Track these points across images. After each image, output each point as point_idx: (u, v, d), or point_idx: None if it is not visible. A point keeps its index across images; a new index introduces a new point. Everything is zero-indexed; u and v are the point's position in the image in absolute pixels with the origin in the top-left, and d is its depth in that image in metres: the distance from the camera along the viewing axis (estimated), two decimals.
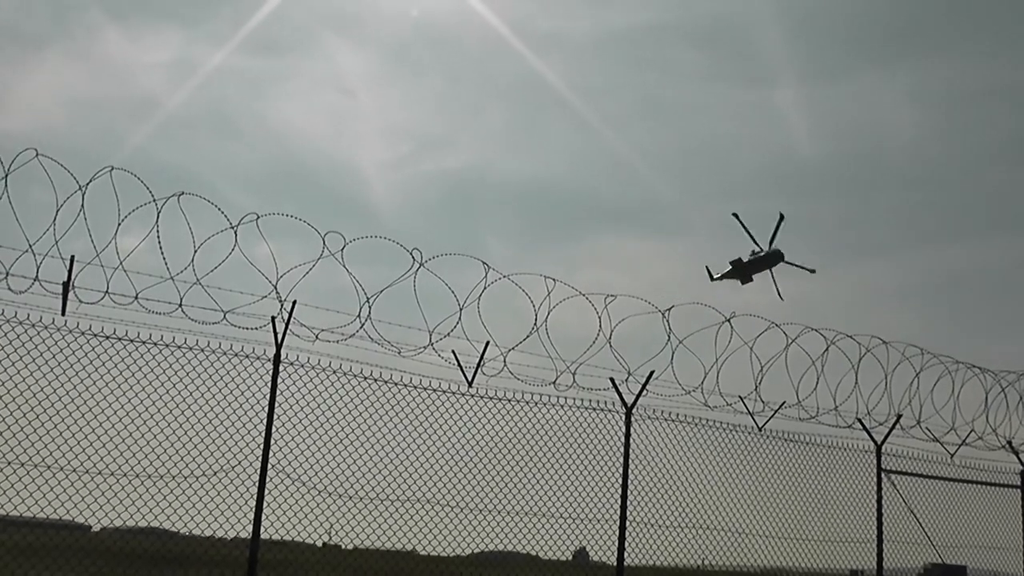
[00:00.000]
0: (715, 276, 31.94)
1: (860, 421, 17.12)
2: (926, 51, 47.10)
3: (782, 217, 29.35)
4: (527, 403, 14.24)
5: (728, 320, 15.78)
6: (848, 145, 47.47)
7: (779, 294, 30.68)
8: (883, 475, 17.40)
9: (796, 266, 30.20)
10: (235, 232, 12.77)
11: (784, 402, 16.35)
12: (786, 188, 47.92)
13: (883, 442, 17.42)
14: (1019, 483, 19.33)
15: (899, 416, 17.50)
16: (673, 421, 15.32)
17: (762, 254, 30.57)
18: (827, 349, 16.80)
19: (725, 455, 15.77)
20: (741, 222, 29.89)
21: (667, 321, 15.31)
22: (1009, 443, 19.15)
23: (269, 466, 12.09)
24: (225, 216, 12.79)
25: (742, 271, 30.71)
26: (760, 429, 16.31)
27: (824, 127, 46.74)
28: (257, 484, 12.03)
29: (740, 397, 15.99)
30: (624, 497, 14.46)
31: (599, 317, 14.65)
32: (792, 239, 46.93)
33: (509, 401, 14.15)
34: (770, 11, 47.56)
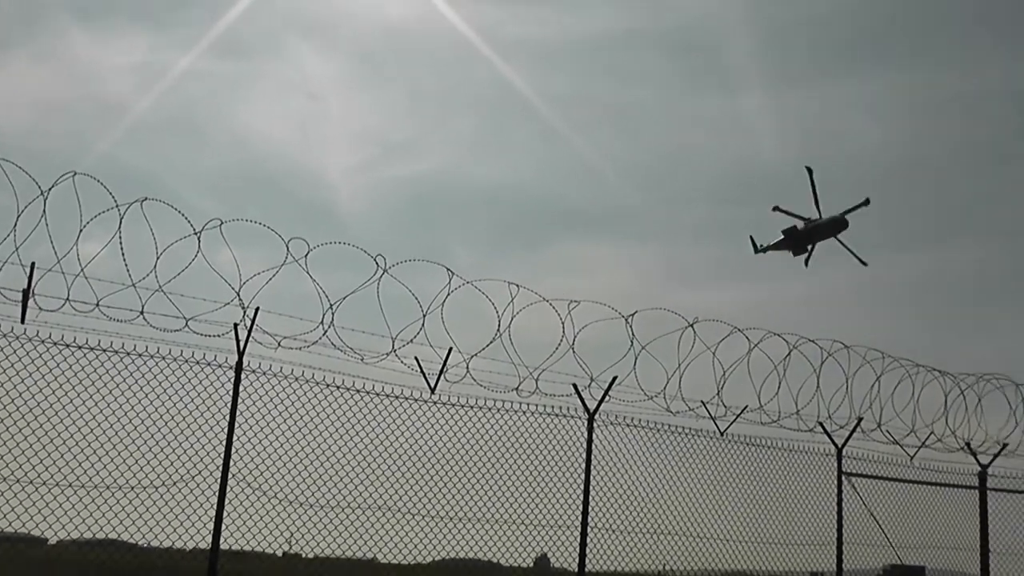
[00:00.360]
0: (761, 246, 31.66)
1: (821, 425, 17.47)
2: (888, 60, 47.90)
3: (867, 201, 29.21)
4: (489, 410, 14.44)
5: (691, 325, 16.04)
6: (813, 152, 48.21)
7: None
8: (843, 478, 17.76)
9: (850, 251, 30.36)
10: (198, 238, 12.83)
11: (746, 406, 16.65)
12: (752, 194, 48.55)
13: (844, 445, 17.78)
14: (977, 484, 19.72)
15: (860, 419, 17.87)
16: (635, 427, 15.59)
17: (824, 220, 30.33)
18: (789, 354, 17.12)
19: (687, 460, 16.08)
20: (812, 180, 29.68)
21: (630, 327, 15.54)
22: (968, 445, 19.57)
23: (230, 475, 12.19)
24: (188, 222, 12.84)
25: (797, 240, 30.50)
26: (722, 434, 16.61)
27: (789, 134, 47.49)
28: (217, 494, 12.12)
29: (702, 402, 16.27)
30: (586, 503, 14.70)
31: (562, 323, 14.86)
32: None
33: (471, 408, 14.35)
34: (737, 20, 48.15)
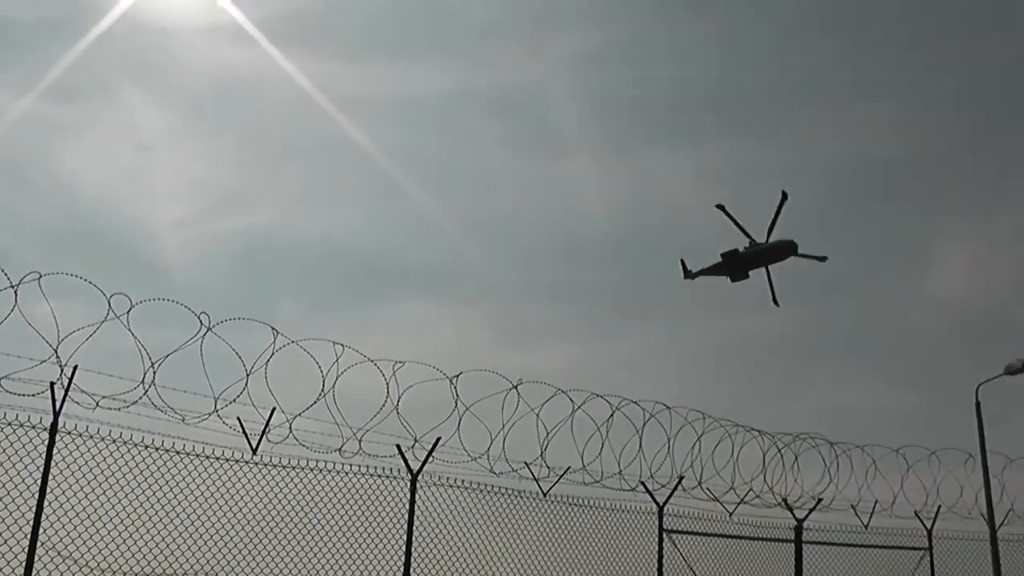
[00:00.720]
0: (693, 272, 29.14)
1: (643, 484, 18.25)
2: (709, 130, 50.40)
3: (785, 196, 27.30)
4: (312, 470, 14.65)
5: (515, 387, 16.64)
6: (637, 219, 50.04)
7: (775, 298, 28.51)
8: (664, 535, 18.50)
9: (809, 257, 28.49)
10: (15, 292, 12.74)
11: (569, 467, 17.32)
12: (579, 257, 49.92)
13: (665, 503, 18.57)
14: (793, 537, 20.77)
15: (681, 477, 18.74)
16: (459, 488, 16.01)
17: (768, 244, 27.79)
18: (612, 415, 17.91)
19: (510, 521, 16.50)
20: (728, 213, 27.86)
21: (455, 388, 16.04)
22: (784, 500, 20.68)
23: (39, 544, 12.05)
24: (5, 274, 12.73)
25: (736, 265, 28.02)
26: (545, 494, 17.18)
27: (615, 200, 49.17)
28: (24, 565, 11.96)
29: (526, 463, 16.86)
30: (407, 565, 15.04)
31: (387, 383, 15.26)
32: (581, 306, 48.89)
33: (293, 469, 14.53)
34: (566, 85, 49.79)
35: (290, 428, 14.51)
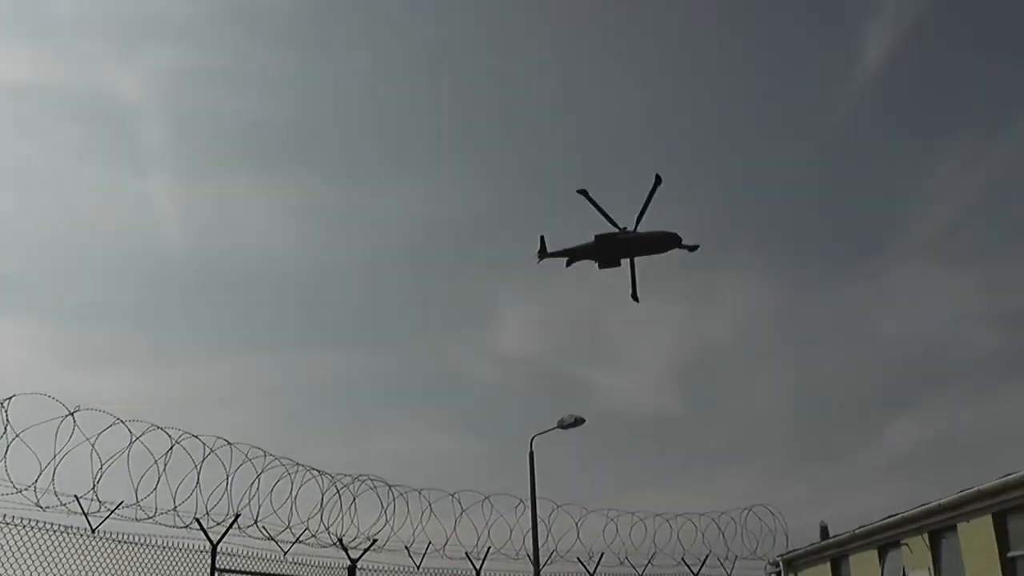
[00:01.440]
0: (551, 251, 27.31)
1: (198, 521, 18.40)
2: (289, 163, 51.32)
3: (659, 180, 26.02)
4: None
5: (72, 414, 16.30)
6: (219, 244, 49.71)
7: (635, 294, 26.71)
8: (217, 574, 18.61)
9: (686, 247, 26.81)
10: None
11: (122, 502, 17.15)
12: (154, 279, 48.58)
13: (219, 541, 18.84)
14: None
15: (237, 515, 19.10)
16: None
17: (650, 232, 26.71)
18: (172, 448, 17.92)
19: (56, 560, 15.87)
20: (590, 198, 26.51)
21: (5, 412, 15.41)
22: (340, 540, 21.51)
23: None
24: None
25: (609, 249, 26.73)
26: (94, 531, 16.84)
27: (197, 224, 48.57)
28: None
29: (76, 497, 16.47)
30: None
31: None
32: (150, 331, 47.71)
33: None
34: (156, 100, 48.65)
35: None
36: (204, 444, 18.60)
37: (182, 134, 52.55)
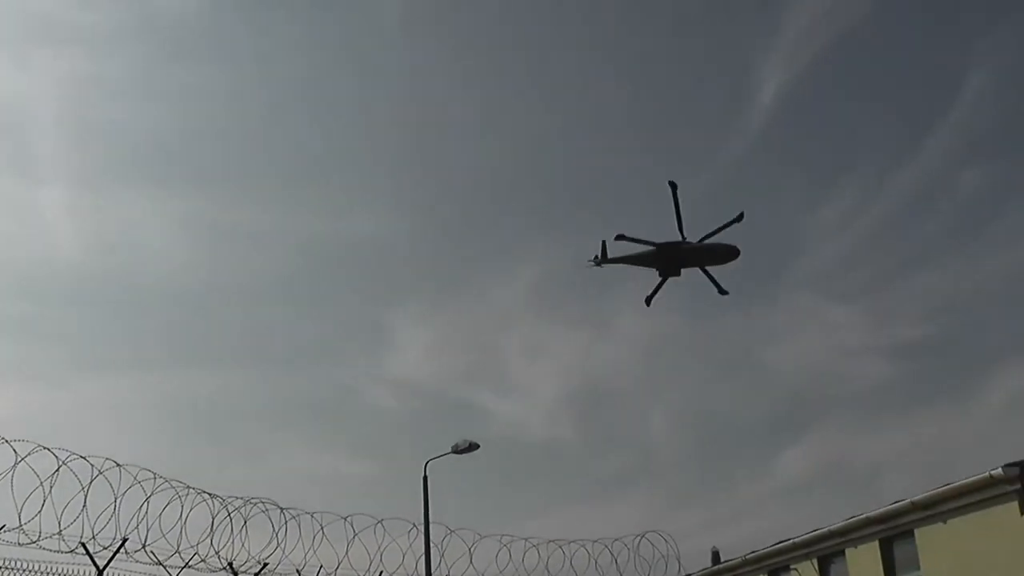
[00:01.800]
0: (610, 258, 26.25)
1: (84, 546, 18.09)
2: (195, 179, 50.65)
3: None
4: None
5: None
6: (111, 259, 48.66)
7: (720, 288, 25.75)
8: None
9: (717, 287, 26.28)
10: None
11: (3, 525, 16.73)
12: (42, 292, 47.32)
13: (106, 567, 18.58)
14: None
15: (125, 540, 18.84)
16: None
17: (717, 243, 26.24)
18: (58, 469, 17.58)
19: None
20: (675, 196, 25.59)
21: None
22: (230, 565, 21.29)
23: None
24: None
25: (669, 257, 26.05)
26: None
27: (88, 237, 47.55)
28: None
29: None
30: None
31: None
32: (40, 345, 46.48)
33: None
34: (51, 108, 47.58)
35: None
36: (92, 465, 18.27)
37: (76, 144, 51.51)
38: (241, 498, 21.84)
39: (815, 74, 52.36)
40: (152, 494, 19.54)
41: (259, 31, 55.54)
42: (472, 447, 24.13)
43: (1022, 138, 47.82)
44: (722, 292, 26.82)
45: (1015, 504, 14.69)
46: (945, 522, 16.18)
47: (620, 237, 25.61)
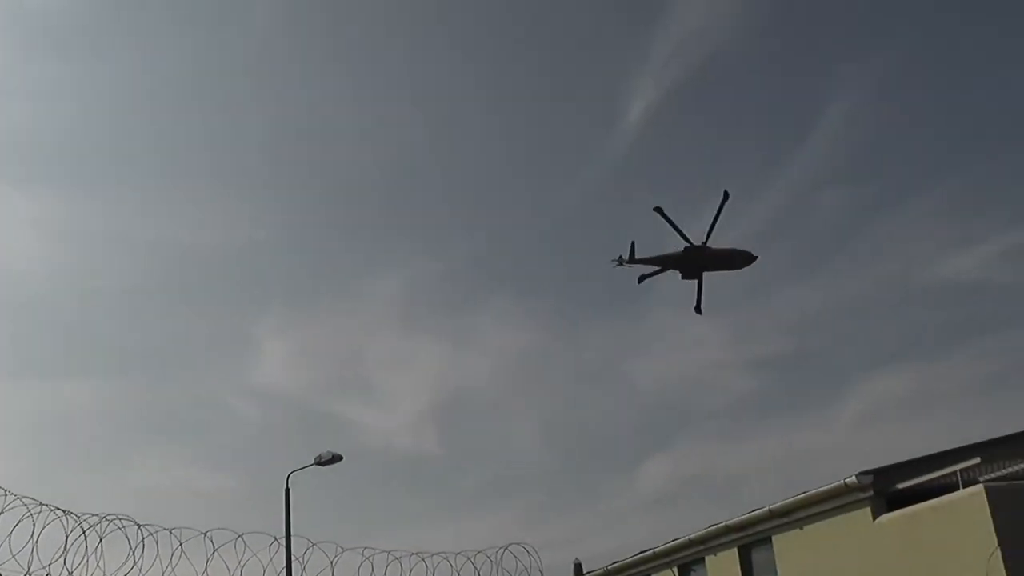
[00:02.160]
0: (638, 258, 26.20)
1: None
2: (64, 179, 49.03)
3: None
4: None
5: None
6: None
7: (700, 307, 25.00)
8: None
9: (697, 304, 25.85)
10: None
11: None
12: None
13: None
14: None
15: None
16: None
17: (735, 249, 26.49)
18: None
19: None
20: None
21: None
22: None
23: None
24: None
25: (694, 260, 26.10)
26: None
27: None
28: None
29: None
30: None
31: None
32: None
33: None
34: None
35: None
36: None
37: None
38: (97, 515, 21.37)
39: (680, 98, 53.43)
40: (3, 511, 19.02)
41: (127, 28, 54.05)
42: (335, 459, 23.99)
43: (883, 159, 49.73)
44: (698, 310, 26.98)
45: (868, 510, 15.49)
46: (802, 528, 16.92)
47: (658, 209, 25.66)
